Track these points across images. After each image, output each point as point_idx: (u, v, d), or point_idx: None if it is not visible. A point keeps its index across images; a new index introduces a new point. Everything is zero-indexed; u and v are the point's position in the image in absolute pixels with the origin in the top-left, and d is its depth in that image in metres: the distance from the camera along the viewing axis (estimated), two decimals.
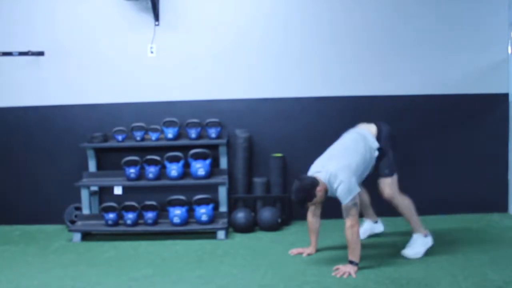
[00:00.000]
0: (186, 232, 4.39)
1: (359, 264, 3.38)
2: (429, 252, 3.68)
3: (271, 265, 3.57)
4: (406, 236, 4.19)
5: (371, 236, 4.16)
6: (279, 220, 4.54)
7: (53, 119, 4.84)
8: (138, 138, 4.69)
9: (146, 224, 4.40)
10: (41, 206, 4.86)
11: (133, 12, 4.77)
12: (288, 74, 4.83)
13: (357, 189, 3.43)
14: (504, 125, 4.83)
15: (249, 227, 4.49)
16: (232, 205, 4.69)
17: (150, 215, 4.38)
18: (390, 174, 3.67)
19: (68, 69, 4.82)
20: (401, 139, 4.70)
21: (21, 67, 4.81)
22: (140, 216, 4.42)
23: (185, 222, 4.38)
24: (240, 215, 4.49)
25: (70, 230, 4.40)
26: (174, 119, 4.66)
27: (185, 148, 4.61)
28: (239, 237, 4.35)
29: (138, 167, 4.56)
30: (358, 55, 4.80)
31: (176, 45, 4.81)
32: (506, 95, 4.81)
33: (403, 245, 3.91)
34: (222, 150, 4.70)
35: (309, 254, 3.78)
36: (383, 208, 4.50)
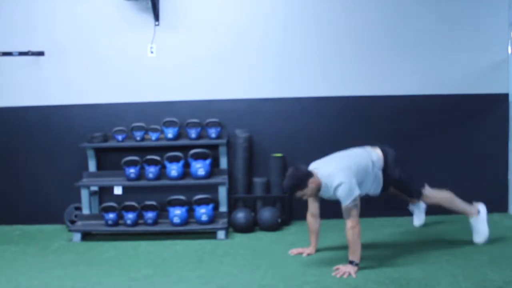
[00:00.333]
0: (186, 232, 4.39)
1: (359, 264, 3.38)
2: (429, 252, 3.69)
3: (271, 265, 3.57)
4: (406, 236, 4.20)
5: (366, 235, 4.15)
6: (279, 220, 4.54)
7: (53, 119, 4.84)
8: (138, 138, 4.69)
9: (146, 224, 4.40)
10: (41, 206, 4.86)
11: (133, 12, 4.77)
12: (288, 74, 4.83)
13: (358, 191, 3.43)
14: (504, 125, 4.83)
15: (249, 227, 4.49)
16: (232, 205, 4.69)
17: (150, 215, 4.38)
18: (419, 195, 3.80)
19: (68, 69, 4.82)
20: (401, 139, 4.73)
21: (21, 67, 4.81)
22: (140, 216, 4.42)
23: (185, 222, 4.38)
24: (240, 215, 4.49)
25: (70, 230, 4.40)
26: (174, 119, 4.66)
27: (185, 148, 4.60)
28: (239, 237, 4.35)
29: (138, 167, 4.56)
30: (358, 55, 4.80)
31: (176, 45, 4.81)
32: (506, 95, 4.81)
33: (403, 245, 3.93)
34: (222, 150, 4.70)
35: (309, 254, 3.78)
36: (382, 208, 4.52)
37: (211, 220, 4.39)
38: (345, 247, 3.51)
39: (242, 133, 4.72)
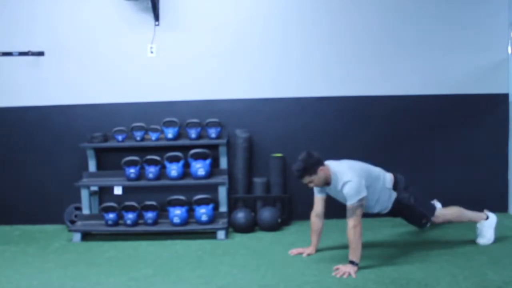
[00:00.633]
0: (186, 232, 4.39)
1: (359, 264, 3.38)
2: (429, 252, 3.69)
3: (271, 265, 3.56)
4: (406, 236, 4.20)
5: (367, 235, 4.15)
6: (279, 220, 4.54)
7: (53, 119, 4.84)
8: (138, 138, 4.69)
9: (146, 224, 4.40)
10: (41, 206, 4.86)
11: (133, 12, 4.77)
12: (288, 74, 4.83)
13: (365, 192, 3.44)
14: (504, 125, 4.83)
15: (249, 227, 4.49)
16: (232, 205, 4.69)
17: (150, 215, 4.38)
18: (433, 214, 3.79)
19: (68, 69, 4.82)
20: (401, 139, 4.74)
21: (21, 67, 4.81)
22: (140, 216, 4.42)
23: (185, 222, 4.38)
24: (240, 215, 4.49)
25: (70, 230, 4.40)
26: (174, 119, 4.66)
27: (185, 148, 4.60)
28: (239, 237, 4.35)
29: (138, 167, 4.56)
30: (358, 55, 4.80)
31: (176, 45, 4.81)
32: (506, 95, 4.81)
33: (403, 245, 3.93)
34: (222, 150, 4.70)
35: (309, 254, 3.78)
36: None
37: (211, 220, 4.39)
38: (345, 247, 3.51)
39: (242, 133, 4.72)
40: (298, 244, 3.96)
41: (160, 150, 4.67)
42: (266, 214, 4.53)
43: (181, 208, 4.36)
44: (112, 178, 4.68)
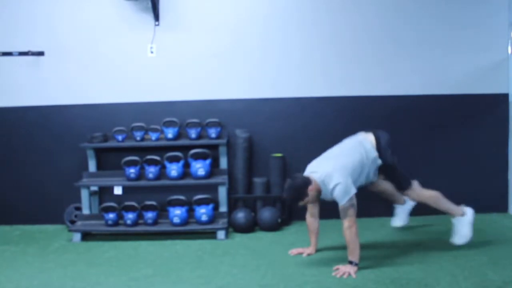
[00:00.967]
0: (186, 232, 4.39)
1: (359, 264, 3.38)
2: (429, 252, 3.69)
3: (271, 265, 3.57)
4: (406, 236, 4.20)
5: (366, 236, 4.14)
6: (279, 220, 4.54)
7: (53, 119, 4.84)
8: (138, 138, 4.69)
9: (146, 224, 4.40)
10: (41, 206, 4.86)
11: (133, 12, 4.77)
12: (288, 74, 4.83)
13: (354, 190, 3.44)
14: (504, 125, 4.83)
15: (249, 227, 4.49)
16: (232, 205, 4.69)
17: (150, 215, 4.38)
18: (408, 186, 3.73)
19: (68, 69, 4.82)
20: (401, 139, 4.73)
21: (21, 67, 4.81)
22: (140, 216, 4.42)
23: (185, 222, 4.38)
24: (240, 215, 4.49)
25: (70, 230, 4.40)
26: (174, 119, 4.66)
27: (185, 148, 4.60)
28: (239, 237, 4.35)
29: (138, 167, 4.56)
30: (358, 55, 4.80)
31: (176, 45, 4.81)
32: (506, 95, 4.81)
33: (403, 245, 3.92)
34: (222, 150, 4.70)
35: (309, 254, 3.78)
36: (381, 208, 4.52)
37: (211, 220, 4.39)
38: (345, 247, 3.50)
39: (242, 133, 4.72)
40: (298, 244, 3.96)
41: (160, 150, 4.67)
42: (266, 214, 4.53)
43: (181, 208, 4.36)
44: (112, 178, 4.68)
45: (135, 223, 4.39)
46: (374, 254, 3.70)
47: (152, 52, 4.81)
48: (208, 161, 4.53)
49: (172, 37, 4.79)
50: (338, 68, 4.81)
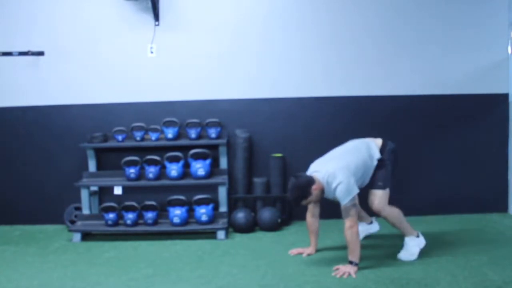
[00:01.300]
0: (186, 232, 4.39)
1: (359, 264, 3.38)
2: (429, 252, 3.69)
3: (271, 265, 3.57)
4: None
5: (368, 236, 4.13)
6: (279, 220, 4.54)
7: (53, 119, 4.84)
8: (138, 138, 4.69)
9: (146, 224, 4.40)
10: (41, 206, 4.86)
11: (133, 12, 4.77)
12: (288, 74, 4.83)
13: (356, 190, 3.43)
14: (504, 125, 4.83)
15: (249, 227, 4.49)
16: (232, 205, 4.69)
17: (150, 215, 4.38)
18: (383, 187, 3.62)
19: (68, 69, 4.82)
20: (401, 139, 4.70)
21: (21, 67, 4.81)
22: (140, 216, 4.42)
23: (185, 222, 4.38)
24: (240, 215, 4.49)
25: (70, 230, 4.40)
26: (174, 119, 4.66)
27: (185, 148, 4.60)
28: (239, 237, 4.35)
29: (138, 167, 4.56)
30: (358, 55, 4.80)
31: (176, 45, 4.81)
32: (506, 95, 4.81)
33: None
34: (222, 150, 4.70)
35: (309, 254, 3.78)
36: None
37: (211, 220, 4.39)
38: (345, 247, 3.50)
39: (242, 133, 4.72)
40: (298, 244, 3.96)
41: (160, 150, 4.67)
42: (266, 214, 4.53)
43: (181, 208, 4.36)
44: (112, 178, 4.68)
45: (135, 223, 4.39)
46: (374, 254, 3.70)
47: (152, 52, 4.81)
48: (208, 161, 4.53)
49: (172, 37, 4.79)
50: (338, 68, 4.81)
